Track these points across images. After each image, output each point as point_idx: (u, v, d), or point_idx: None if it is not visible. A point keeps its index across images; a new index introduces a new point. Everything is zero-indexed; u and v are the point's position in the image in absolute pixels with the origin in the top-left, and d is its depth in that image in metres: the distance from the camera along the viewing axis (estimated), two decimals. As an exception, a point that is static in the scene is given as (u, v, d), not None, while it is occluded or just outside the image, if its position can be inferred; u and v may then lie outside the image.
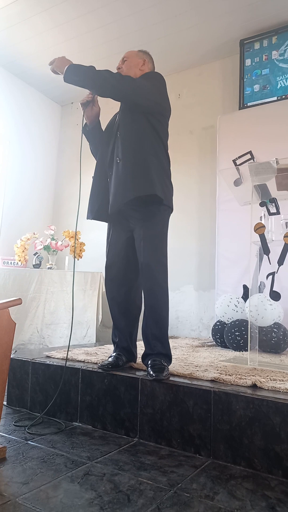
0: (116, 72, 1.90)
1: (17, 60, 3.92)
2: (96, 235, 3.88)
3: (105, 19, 3.32)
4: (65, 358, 2.01)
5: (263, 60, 3.37)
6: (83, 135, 2.06)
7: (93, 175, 2.03)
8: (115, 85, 1.78)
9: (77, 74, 1.78)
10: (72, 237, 3.58)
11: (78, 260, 3.61)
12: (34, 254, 3.70)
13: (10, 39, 3.62)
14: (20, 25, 3.43)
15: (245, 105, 3.41)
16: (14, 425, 1.80)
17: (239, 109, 3.45)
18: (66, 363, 1.94)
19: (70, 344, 2.02)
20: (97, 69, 1.79)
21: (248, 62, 3.45)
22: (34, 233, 3.67)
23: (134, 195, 1.80)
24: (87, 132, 2.06)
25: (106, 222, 2.06)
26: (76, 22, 3.38)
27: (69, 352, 2.04)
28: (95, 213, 1.98)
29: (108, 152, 1.97)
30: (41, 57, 3.86)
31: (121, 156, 1.87)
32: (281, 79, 3.28)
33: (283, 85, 3.26)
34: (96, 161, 2.05)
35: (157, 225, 1.89)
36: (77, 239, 3.59)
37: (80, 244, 3.62)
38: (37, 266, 3.67)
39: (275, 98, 3.27)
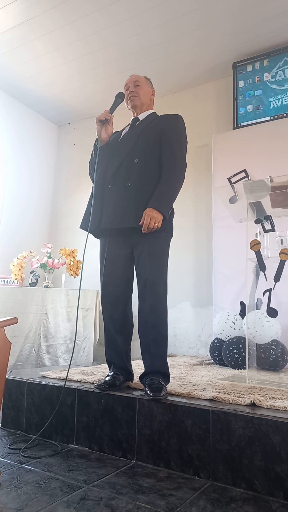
0: (170, 168, 1.92)
1: (16, 82, 3.99)
2: (94, 252, 3.87)
3: (106, 40, 3.38)
4: (62, 378, 1.98)
5: (256, 81, 3.46)
6: (98, 148, 2.04)
7: (92, 185, 2.00)
8: (181, 183, 1.95)
9: (169, 206, 1.89)
10: (69, 255, 3.58)
11: (74, 278, 3.60)
12: (31, 273, 3.70)
13: (9, 62, 3.69)
14: (20, 48, 3.50)
15: (239, 125, 3.48)
16: (8, 448, 1.76)
17: (233, 129, 3.51)
18: (65, 383, 1.91)
19: (66, 364, 1.99)
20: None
21: (241, 83, 3.54)
22: (30, 251, 3.67)
23: (137, 224, 1.84)
24: (95, 148, 2.07)
25: (98, 238, 2.06)
26: (76, 45, 3.45)
27: (65, 371, 2.02)
28: (95, 227, 1.95)
29: (114, 167, 1.98)
30: (39, 79, 3.94)
31: (135, 184, 1.90)
32: (273, 100, 3.36)
33: (275, 106, 3.34)
34: (97, 173, 2.02)
35: (162, 242, 1.91)
36: (74, 257, 3.58)
37: (77, 262, 3.61)
38: (33, 284, 3.66)
39: (268, 118, 3.35)
